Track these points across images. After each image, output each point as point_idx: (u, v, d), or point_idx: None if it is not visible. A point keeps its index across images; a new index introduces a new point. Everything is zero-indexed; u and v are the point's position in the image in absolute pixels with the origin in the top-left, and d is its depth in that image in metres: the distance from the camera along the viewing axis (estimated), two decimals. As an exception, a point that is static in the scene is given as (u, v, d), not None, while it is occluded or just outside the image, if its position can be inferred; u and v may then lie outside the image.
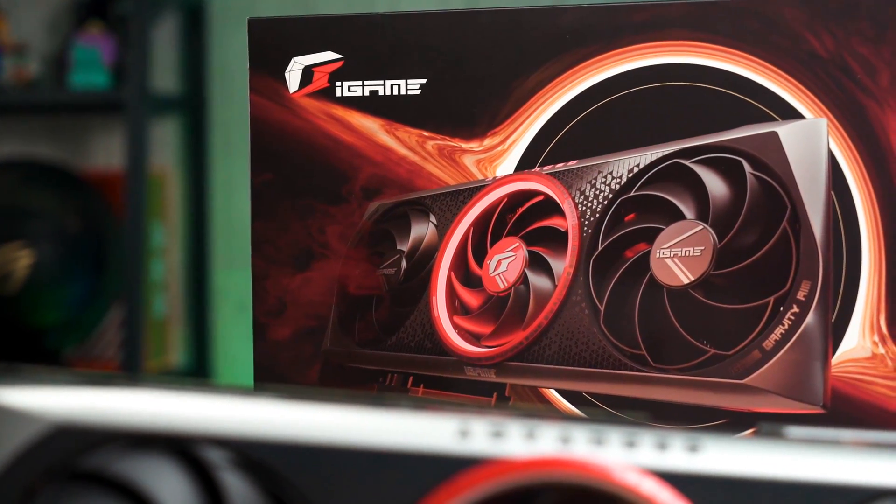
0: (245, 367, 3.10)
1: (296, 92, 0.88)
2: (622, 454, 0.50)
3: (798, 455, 0.51)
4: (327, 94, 0.88)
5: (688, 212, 0.82)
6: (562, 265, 0.85)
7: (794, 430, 0.54)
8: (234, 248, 2.96)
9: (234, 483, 0.50)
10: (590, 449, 0.50)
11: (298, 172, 0.88)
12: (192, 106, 2.97)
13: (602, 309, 0.84)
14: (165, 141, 3.00)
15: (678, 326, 0.82)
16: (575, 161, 0.85)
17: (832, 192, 0.80)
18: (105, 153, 3.03)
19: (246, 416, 0.51)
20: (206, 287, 3.00)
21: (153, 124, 2.85)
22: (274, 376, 0.88)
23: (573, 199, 0.85)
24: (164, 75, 2.95)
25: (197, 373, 2.96)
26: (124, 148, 2.74)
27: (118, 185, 2.84)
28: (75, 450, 0.50)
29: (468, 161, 0.86)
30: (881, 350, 0.80)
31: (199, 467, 0.51)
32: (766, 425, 0.56)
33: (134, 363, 2.73)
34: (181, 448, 0.51)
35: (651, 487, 0.50)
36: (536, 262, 0.86)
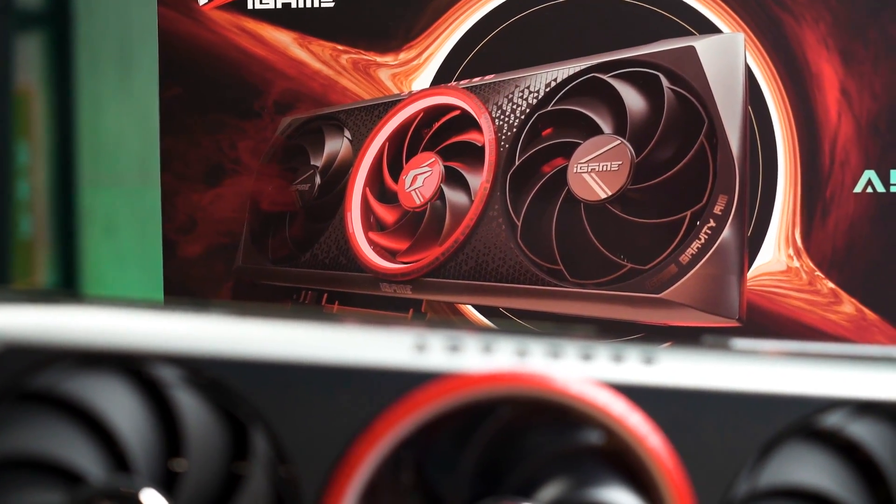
0: (114, 288, 3.05)
1: (205, 4, 0.86)
2: (578, 367, 0.50)
3: (752, 367, 0.51)
4: (238, 6, 0.86)
5: (605, 126, 0.82)
6: (478, 180, 0.84)
7: (740, 342, 0.55)
8: (101, 167, 2.90)
9: (187, 401, 0.49)
10: (546, 362, 0.50)
11: (209, 87, 0.86)
12: (57, 21, 2.89)
13: (519, 224, 0.84)
14: (29, 57, 2.92)
15: (595, 241, 0.83)
16: (492, 75, 0.85)
17: (749, 107, 0.81)
18: (-34, 69, 2.94)
19: (197, 333, 0.50)
20: (72, 207, 2.94)
21: (16, 40, 2.77)
22: (184, 294, 0.86)
23: (490, 113, 0.85)
24: (27, -11, 2.86)
25: (65, 294, 2.90)
26: (-13, 64, 2.66)
27: (-19, 103, 2.76)
28: (24, 369, 0.48)
29: (383, 75, 0.85)
30: (796, 263, 0.81)
31: (150, 386, 0.50)
32: (711, 338, 0.56)
33: (0, 284, 2.67)
34: (132, 366, 0.50)
35: (606, 399, 0.50)
36: (453, 178, 0.86)
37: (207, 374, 0.50)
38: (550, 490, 0.51)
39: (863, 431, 0.51)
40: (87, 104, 2.93)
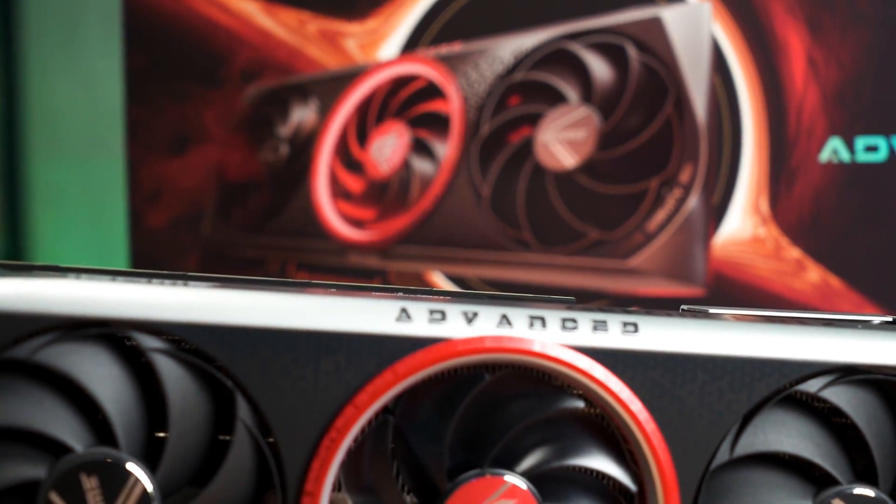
0: (63, 259, 3.02)
1: (170, -29, 0.85)
2: (560, 334, 0.50)
3: (733, 333, 0.51)
4: (203, -26, 0.85)
5: (572, 95, 0.82)
6: (446, 149, 0.84)
7: (719, 310, 0.55)
8: (49, 137, 2.87)
9: (170, 370, 0.49)
10: (528, 329, 0.50)
11: (174, 56, 0.86)
12: (2, -11, 2.86)
13: (486, 193, 0.84)
14: (-26, 25, 2.88)
15: (562, 210, 0.83)
16: (459, 44, 0.84)
17: (715, 76, 0.81)
18: (-89, 38, 2.90)
19: (179, 302, 0.50)
20: (21, 177, 2.91)
21: (-39, 8, 2.73)
22: (150, 265, 0.86)
23: (457, 82, 0.84)
24: (-28, -44, 2.83)
25: (12, 266, 2.87)
26: (-68, 33, 2.63)
27: (-74, 72, 2.72)
28: (5, 339, 0.48)
29: (350, 44, 0.85)
30: (762, 231, 0.81)
31: (133, 355, 0.49)
32: (689, 307, 0.56)
33: (-52, 256, 2.64)
34: (113, 335, 0.49)
35: (587, 365, 0.50)
36: (420, 147, 0.85)
37: (190, 343, 0.50)
38: (532, 459, 0.51)
39: (844, 396, 0.51)
40: (35, 73, 2.90)
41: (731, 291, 0.82)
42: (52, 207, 3.03)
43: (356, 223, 0.85)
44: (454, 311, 0.51)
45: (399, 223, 0.85)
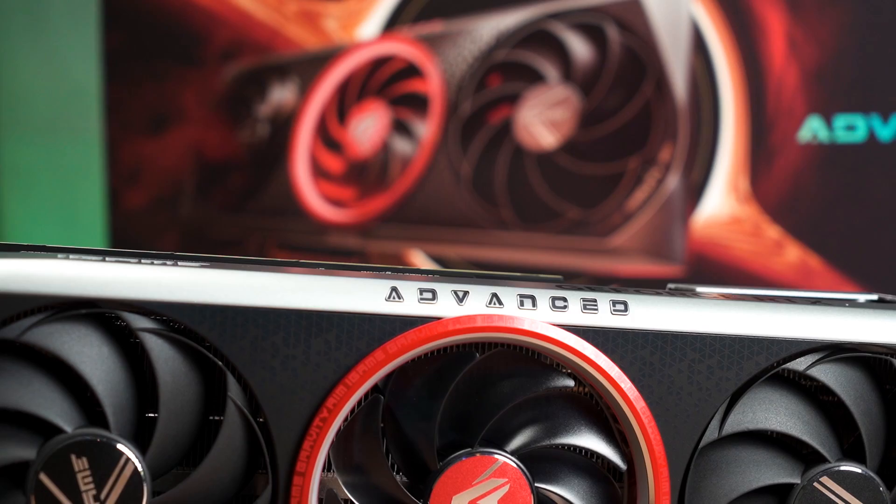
0: (31, 241, 3.00)
1: (148, -50, 0.85)
2: (550, 313, 0.51)
3: (721, 312, 0.51)
4: (181, -48, 0.85)
5: (553, 76, 0.82)
6: (426, 129, 0.84)
7: (706, 289, 0.55)
8: (19, 118, 2.85)
9: (160, 350, 0.49)
10: (519, 308, 0.50)
11: (153, 35, 0.85)
12: (-33, -32, 2.83)
13: (467, 172, 0.84)
14: (-62, 5, 2.85)
15: (543, 189, 0.83)
16: (440, 24, 0.84)
17: (695, 56, 0.81)
18: None
19: (169, 282, 0.49)
20: (-14, 158, 2.88)
21: (-74, -13, 2.71)
22: (128, 245, 0.86)
23: (438, 63, 0.84)
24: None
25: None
26: None
27: None
28: (-4, 320, 0.48)
29: (330, 24, 0.84)
30: (741, 211, 0.82)
31: (122, 334, 0.49)
32: (675, 286, 0.56)
33: (-86, 238, 2.62)
34: (103, 315, 0.49)
35: (577, 344, 0.50)
36: (400, 127, 0.85)
37: (180, 323, 0.49)
38: (522, 438, 0.51)
39: (832, 374, 0.51)
40: (1, 54, 2.87)
41: (711, 271, 0.82)
42: (21, 190, 3.01)
43: (336, 203, 0.85)
44: (444, 290, 0.51)
45: (379, 203, 0.84)
